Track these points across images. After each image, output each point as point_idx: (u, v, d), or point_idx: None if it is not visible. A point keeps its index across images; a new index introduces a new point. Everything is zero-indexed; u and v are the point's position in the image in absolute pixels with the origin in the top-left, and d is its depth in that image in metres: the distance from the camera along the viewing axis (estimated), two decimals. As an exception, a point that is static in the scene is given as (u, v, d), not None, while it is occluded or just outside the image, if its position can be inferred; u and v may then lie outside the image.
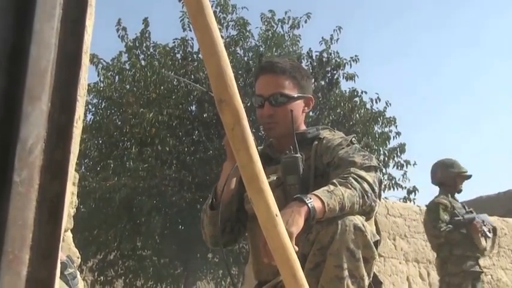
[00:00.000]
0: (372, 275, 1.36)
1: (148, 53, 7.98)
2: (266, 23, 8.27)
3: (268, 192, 0.86)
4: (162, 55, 7.80)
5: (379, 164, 1.50)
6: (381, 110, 7.96)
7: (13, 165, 0.44)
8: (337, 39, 7.96)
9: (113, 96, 7.66)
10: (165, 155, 7.03)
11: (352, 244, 1.27)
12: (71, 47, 0.50)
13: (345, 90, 7.99)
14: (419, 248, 5.29)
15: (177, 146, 7.10)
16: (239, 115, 0.81)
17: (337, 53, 7.90)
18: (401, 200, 7.58)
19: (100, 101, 7.85)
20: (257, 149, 0.88)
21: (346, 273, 1.27)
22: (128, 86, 7.69)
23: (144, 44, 7.97)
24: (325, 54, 7.76)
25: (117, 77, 7.83)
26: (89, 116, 7.72)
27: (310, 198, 1.22)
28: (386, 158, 7.89)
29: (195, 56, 7.77)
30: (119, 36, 7.81)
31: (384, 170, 7.76)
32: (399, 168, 8.01)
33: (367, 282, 1.32)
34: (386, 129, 7.97)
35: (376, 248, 1.34)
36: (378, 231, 1.45)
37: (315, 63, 7.64)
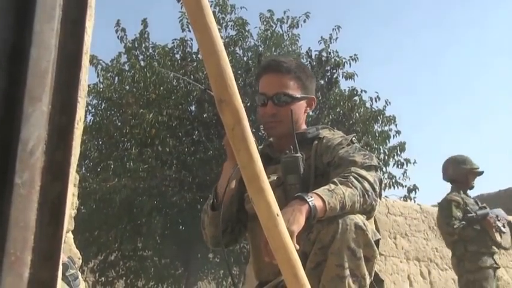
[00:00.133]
0: (373, 274, 1.36)
1: (148, 53, 7.98)
2: (265, 23, 8.26)
3: (269, 191, 0.86)
4: (162, 56, 7.79)
5: (379, 163, 1.51)
6: (381, 109, 7.96)
7: (14, 167, 0.44)
8: (336, 38, 7.96)
9: (113, 97, 7.66)
10: (165, 156, 7.03)
11: (353, 243, 1.27)
12: (71, 48, 0.50)
13: (345, 90, 7.99)
14: (420, 246, 5.29)
15: (177, 147, 7.09)
16: (239, 115, 0.81)
17: (337, 52, 7.90)
18: (402, 199, 7.58)
19: (100, 102, 7.84)
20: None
21: (347, 272, 1.27)
22: (127, 87, 7.68)
23: (143, 45, 7.96)
24: (324, 54, 7.75)
25: (116, 77, 7.82)
26: (89, 117, 7.72)
27: (311, 197, 1.22)
28: (386, 157, 7.88)
29: (194, 56, 7.77)
30: (118, 37, 7.81)
31: (384, 169, 7.76)
32: (399, 166, 8.01)
33: (368, 281, 1.32)
34: (386, 128, 7.97)
35: (377, 246, 1.34)
36: (377, 230, 1.45)
37: (314, 63, 7.63)
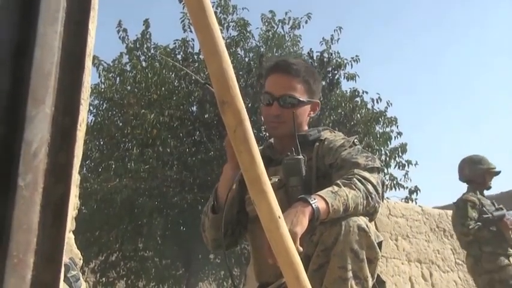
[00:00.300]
0: (375, 275, 1.35)
1: (149, 54, 7.98)
2: (266, 24, 8.27)
3: (270, 193, 0.86)
4: (164, 56, 7.79)
5: (382, 165, 1.50)
6: (382, 110, 7.96)
7: (17, 169, 0.44)
8: (338, 39, 7.96)
9: (114, 97, 7.66)
10: (166, 156, 7.03)
11: (356, 245, 1.27)
12: (75, 50, 0.50)
13: (346, 91, 7.99)
14: (421, 248, 5.28)
15: (178, 147, 7.10)
16: (241, 116, 0.81)
17: (338, 53, 7.90)
18: (403, 200, 7.57)
19: (101, 102, 7.85)
20: (257, 150, 0.88)
21: (350, 274, 1.27)
22: (128, 87, 7.69)
23: (145, 45, 7.97)
24: (325, 55, 7.75)
25: (118, 78, 7.83)
26: (90, 118, 7.72)
27: (315, 199, 1.22)
28: (387, 158, 7.88)
29: (195, 56, 7.77)
30: (119, 37, 7.82)
31: (385, 170, 7.75)
32: (401, 168, 8.00)
33: (371, 283, 1.31)
34: (388, 129, 7.97)
35: (380, 248, 1.34)
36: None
37: (316, 64, 7.63)
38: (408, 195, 7.84)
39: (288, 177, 1.46)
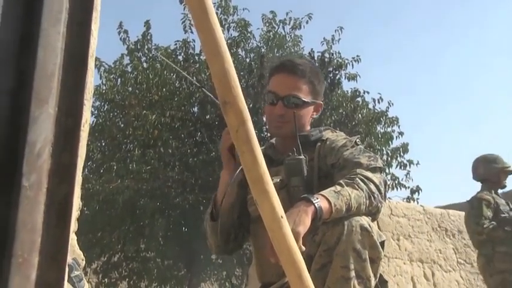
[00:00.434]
0: (378, 275, 1.35)
1: (150, 55, 7.99)
2: (267, 24, 8.26)
3: (273, 193, 0.86)
4: (164, 57, 7.80)
5: (384, 165, 1.51)
6: (384, 110, 7.95)
7: (21, 170, 0.44)
8: (339, 39, 7.96)
9: (116, 98, 7.67)
10: (168, 157, 7.03)
11: (358, 245, 1.27)
12: (77, 51, 0.50)
13: (347, 91, 7.99)
14: (423, 248, 5.28)
15: (180, 148, 7.10)
16: (243, 116, 0.81)
17: (339, 53, 7.90)
18: (405, 200, 7.56)
19: (102, 103, 7.86)
20: (259, 150, 0.88)
21: (352, 273, 1.27)
22: (130, 89, 7.69)
23: (146, 47, 7.98)
24: (326, 55, 7.75)
25: (119, 79, 7.84)
26: (92, 119, 7.73)
27: (317, 198, 1.22)
28: (389, 158, 7.87)
29: (196, 57, 7.78)
30: (120, 38, 7.83)
31: (387, 170, 7.74)
32: (402, 168, 7.99)
33: (373, 282, 1.31)
34: (389, 129, 7.96)
35: (382, 248, 1.34)
36: None
37: (317, 64, 7.63)
38: (410, 195, 7.84)
39: (290, 178, 1.46)
